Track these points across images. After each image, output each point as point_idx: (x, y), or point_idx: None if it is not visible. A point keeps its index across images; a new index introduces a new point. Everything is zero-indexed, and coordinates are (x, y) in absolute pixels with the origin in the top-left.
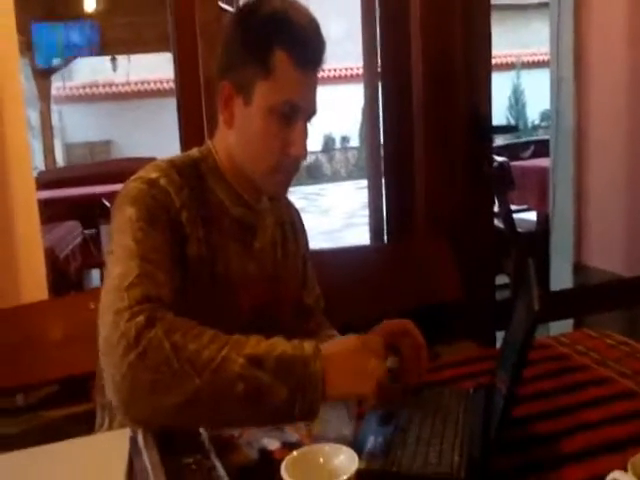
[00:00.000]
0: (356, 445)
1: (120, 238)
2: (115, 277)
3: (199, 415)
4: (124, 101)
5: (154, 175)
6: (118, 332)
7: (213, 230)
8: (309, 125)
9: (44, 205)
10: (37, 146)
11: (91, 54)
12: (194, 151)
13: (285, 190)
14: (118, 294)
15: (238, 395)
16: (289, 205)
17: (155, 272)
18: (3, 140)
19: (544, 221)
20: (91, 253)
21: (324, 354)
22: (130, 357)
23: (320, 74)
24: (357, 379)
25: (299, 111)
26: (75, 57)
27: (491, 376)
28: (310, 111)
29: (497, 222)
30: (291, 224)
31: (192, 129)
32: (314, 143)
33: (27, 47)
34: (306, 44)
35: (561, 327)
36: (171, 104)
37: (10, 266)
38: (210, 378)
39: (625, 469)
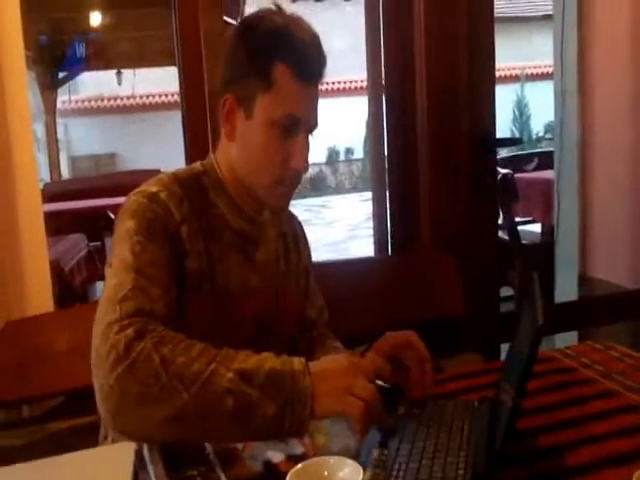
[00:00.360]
0: (360, 458)
1: (119, 250)
2: (110, 289)
3: (187, 429)
4: (129, 114)
5: (155, 189)
6: (108, 344)
7: (214, 243)
8: (311, 138)
9: (50, 218)
10: (43, 159)
11: (96, 68)
12: (197, 165)
13: (287, 203)
14: (111, 306)
15: (227, 410)
16: (291, 217)
17: (149, 286)
18: (10, 153)
19: (549, 233)
20: (96, 266)
21: (313, 371)
22: (119, 369)
23: (324, 87)
24: (344, 398)
25: (300, 124)
26: (81, 71)
27: (496, 389)
28: (311, 124)
29: (501, 234)
30: (293, 236)
31: (197, 142)
32: (318, 155)
33: (34, 61)
34: (307, 58)
35: (566, 339)
36: (176, 117)
37: (16, 278)
38: (198, 392)
39: None
